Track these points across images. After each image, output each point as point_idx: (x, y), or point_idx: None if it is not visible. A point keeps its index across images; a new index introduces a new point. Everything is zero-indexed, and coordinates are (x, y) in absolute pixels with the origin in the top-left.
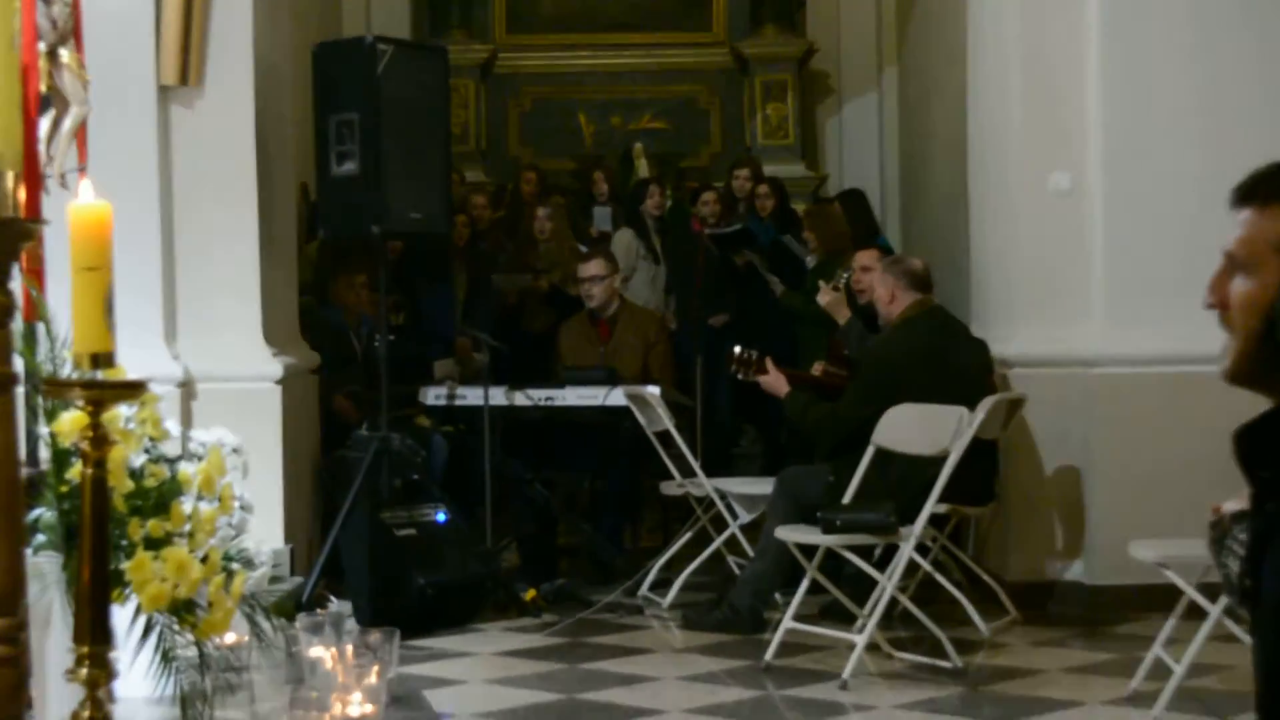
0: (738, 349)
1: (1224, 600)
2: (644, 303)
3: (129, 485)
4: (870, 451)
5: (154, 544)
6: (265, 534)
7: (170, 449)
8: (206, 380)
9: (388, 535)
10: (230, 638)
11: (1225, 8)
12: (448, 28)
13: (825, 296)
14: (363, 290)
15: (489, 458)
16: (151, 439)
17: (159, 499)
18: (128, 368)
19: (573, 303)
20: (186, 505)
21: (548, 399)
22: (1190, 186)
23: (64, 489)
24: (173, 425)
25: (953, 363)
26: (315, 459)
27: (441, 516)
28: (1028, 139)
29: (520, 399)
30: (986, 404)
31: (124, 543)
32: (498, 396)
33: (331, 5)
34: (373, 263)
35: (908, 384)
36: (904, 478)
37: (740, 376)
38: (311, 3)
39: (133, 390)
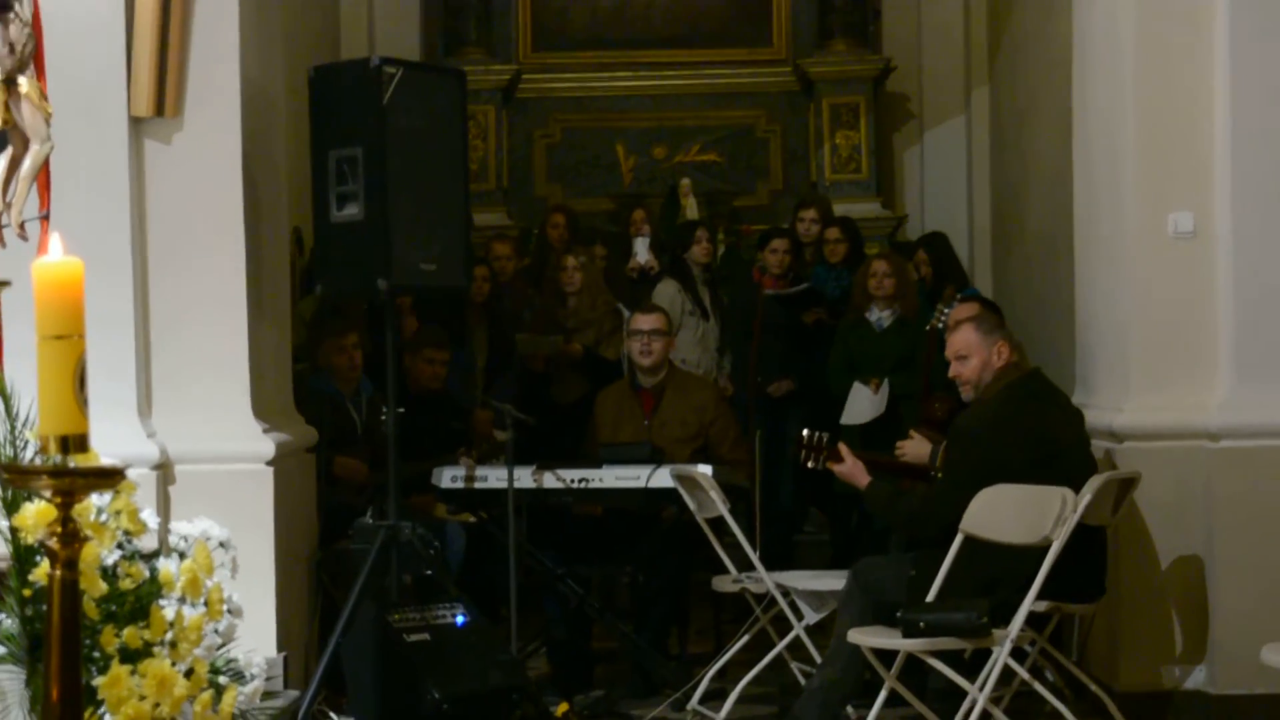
0: (805, 432)
1: None
2: (693, 365)
3: (102, 587)
4: (959, 540)
5: (131, 656)
6: (256, 640)
7: (147, 543)
8: (187, 461)
9: (397, 641)
10: None
11: None
12: (464, 45)
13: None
14: (355, 352)
15: (514, 549)
16: (127, 533)
17: (136, 603)
18: (97, 448)
19: (609, 370)
20: (168, 610)
21: (582, 480)
22: None
23: (27, 592)
24: (149, 515)
25: (1058, 438)
26: (312, 552)
27: (460, 618)
28: (1144, 172)
29: (550, 480)
30: (1094, 484)
31: (96, 654)
32: (524, 478)
33: (330, 23)
34: (369, 320)
35: (1009, 463)
36: (999, 571)
37: (809, 465)
38: (308, 21)
39: (108, 479)
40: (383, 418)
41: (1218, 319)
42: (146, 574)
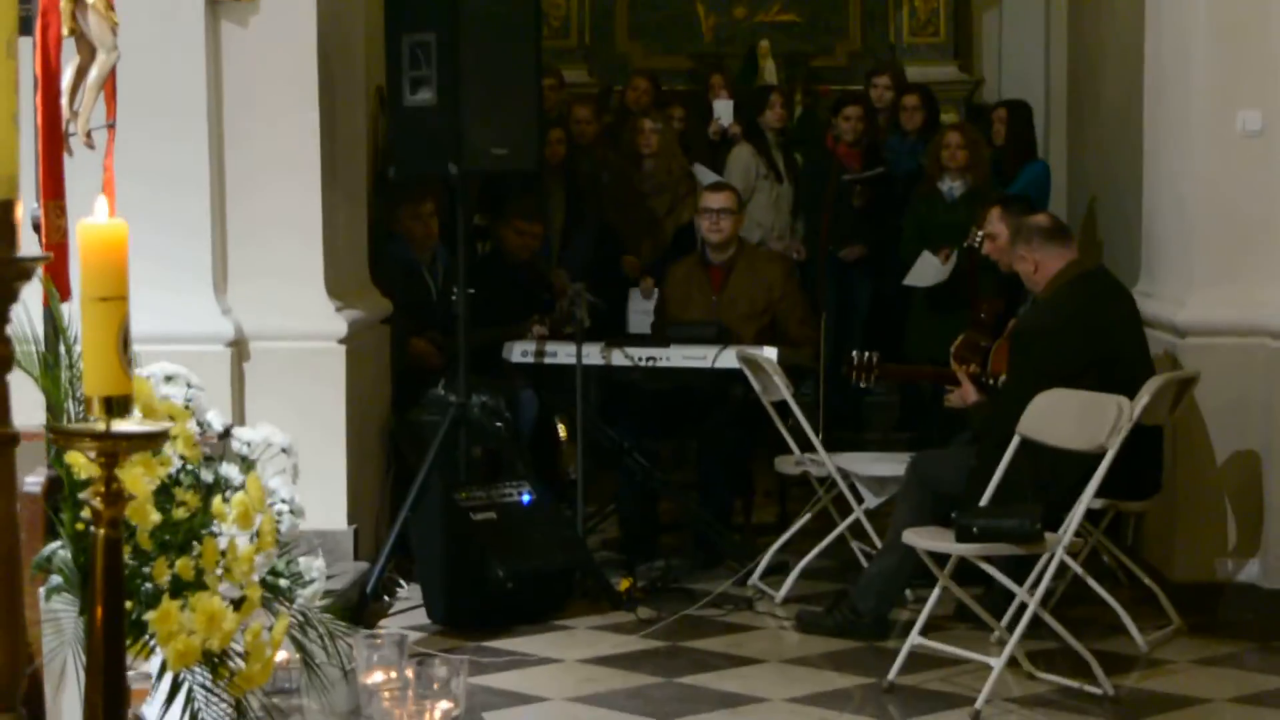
0: (854, 353)
1: None
2: (768, 228)
3: (154, 519)
4: (1015, 441)
5: (183, 586)
6: (328, 513)
7: (216, 421)
8: (261, 338)
9: (464, 520)
10: (280, 656)
11: None
12: None
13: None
14: (431, 220)
15: (581, 426)
16: (184, 458)
17: (190, 533)
18: (174, 320)
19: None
20: (222, 540)
21: (650, 359)
22: None
23: (80, 526)
24: (215, 416)
25: (1117, 331)
26: (385, 422)
27: (526, 497)
28: (1213, 69)
29: (619, 358)
30: (1152, 386)
31: (148, 586)
32: (593, 354)
33: None
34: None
35: (1068, 362)
36: (1055, 468)
37: (861, 384)
38: None
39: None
40: (453, 298)
41: None
42: (200, 505)
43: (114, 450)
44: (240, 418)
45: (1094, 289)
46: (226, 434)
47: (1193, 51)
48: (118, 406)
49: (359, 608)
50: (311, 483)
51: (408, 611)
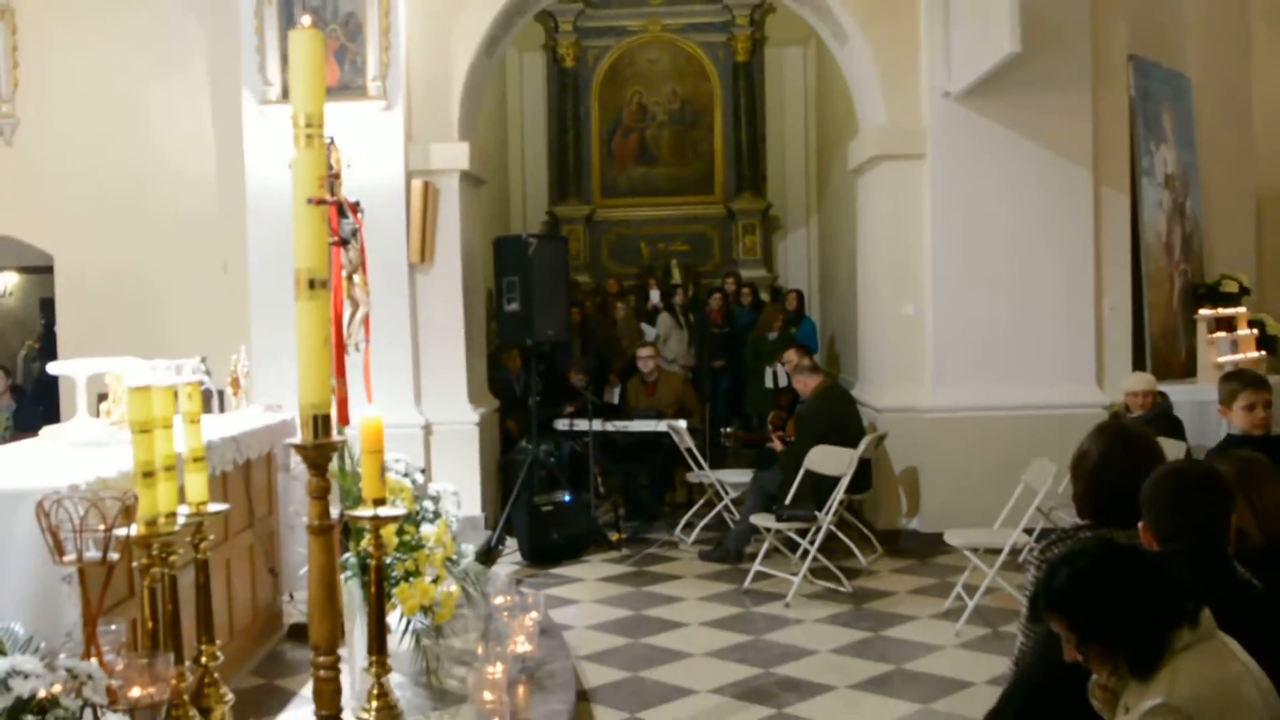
0: (722, 430)
1: (997, 566)
2: (677, 353)
3: (395, 541)
4: (802, 471)
5: (409, 574)
6: (472, 506)
7: (420, 481)
8: (439, 424)
9: (538, 511)
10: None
11: (1021, 206)
12: (568, 195)
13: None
14: (518, 359)
15: (593, 458)
16: (408, 508)
17: (412, 546)
18: (393, 419)
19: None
20: (428, 550)
21: (624, 427)
22: (984, 311)
23: (358, 550)
24: (420, 475)
25: (846, 415)
26: (497, 459)
27: (567, 498)
28: (891, 280)
29: (610, 428)
30: (864, 440)
31: (394, 574)
32: (597, 424)
33: (503, 187)
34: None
35: (824, 430)
36: (821, 481)
37: (727, 445)
38: (493, 197)
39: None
40: (529, 401)
41: (926, 353)
42: (418, 534)
43: (377, 525)
44: (429, 464)
45: (833, 394)
46: (425, 483)
47: (880, 267)
48: (380, 504)
49: (488, 553)
50: (465, 494)
51: (511, 554)
